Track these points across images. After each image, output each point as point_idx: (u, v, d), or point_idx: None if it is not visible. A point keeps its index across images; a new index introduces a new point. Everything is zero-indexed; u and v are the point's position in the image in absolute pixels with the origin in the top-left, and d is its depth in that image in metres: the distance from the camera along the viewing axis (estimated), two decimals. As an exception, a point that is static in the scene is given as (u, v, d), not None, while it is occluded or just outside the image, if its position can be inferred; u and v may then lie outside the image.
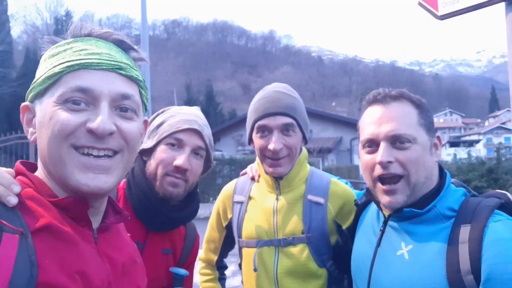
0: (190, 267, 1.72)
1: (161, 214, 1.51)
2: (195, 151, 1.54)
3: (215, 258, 1.95)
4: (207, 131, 1.61)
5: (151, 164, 1.54)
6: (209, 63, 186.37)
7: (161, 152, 1.51)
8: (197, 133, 1.55)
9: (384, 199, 1.31)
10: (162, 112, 1.65)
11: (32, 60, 30.61)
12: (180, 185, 1.50)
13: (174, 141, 1.52)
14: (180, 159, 1.48)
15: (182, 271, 1.52)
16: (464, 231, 1.16)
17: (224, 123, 37.58)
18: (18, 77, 29.17)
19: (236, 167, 17.15)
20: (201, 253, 1.97)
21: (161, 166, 1.50)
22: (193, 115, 1.59)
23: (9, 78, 29.31)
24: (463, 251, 1.14)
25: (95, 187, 0.89)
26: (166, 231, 1.59)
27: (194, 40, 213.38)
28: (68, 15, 43.55)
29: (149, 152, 1.56)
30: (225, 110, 66.90)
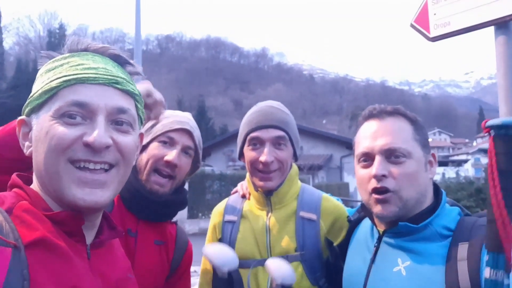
0: (185, 274, 1.74)
1: (150, 202, 1.56)
2: (185, 150, 1.64)
3: None
4: (198, 133, 1.71)
5: (142, 158, 1.62)
6: (201, 78, 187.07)
7: (153, 149, 1.60)
8: (188, 133, 1.64)
9: (377, 208, 1.30)
10: None
11: (23, 72, 30.45)
12: (166, 185, 1.59)
13: (167, 139, 1.61)
14: (171, 155, 1.58)
15: None
16: (462, 249, 1.16)
17: (215, 138, 37.57)
18: (9, 88, 28.91)
19: (226, 182, 17.08)
20: None
21: (151, 161, 1.58)
22: (186, 118, 1.70)
23: (-1, 89, 29.10)
24: (462, 268, 1.13)
25: (91, 202, 0.90)
26: (156, 223, 1.63)
27: (187, 56, 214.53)
28: (61, 27, 43.56)
29: (142, 149, 1.61)
30: (217, 126, 67.03)
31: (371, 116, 1.39)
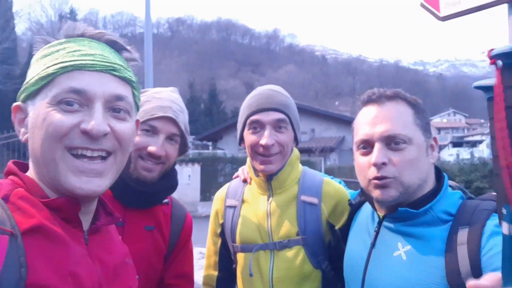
0: (185, 247, 1.73)
1: (136, 191, 1.53)
2: (169, 137, 1.59)
3: (215, 274, 1.86)
4: (182, 117, 1.63)
5: None
6: (212, 61, 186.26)
7: (136, 137, 1.54)
8: (171, 120, 1.58)
9: (376, 193, 1.28)
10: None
11: (36, 57, 30.66)
12: (154, 170, 1.55)
13: (149, 128, 1.56)
14: (154, 146, 1.53)
15: None
16: (463, 233, 1.15)
17: (227, 121, 37.62)
18: (21, 74, 29.19)
19: (238, 165, 17.15)
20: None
21: (134, 150, 1.53)
22: (169, 101, 1.61)
23: (12, 75, 29.43)
24: (462, 252, 1.12)
25: (89, 191, 0.90)
26: (145, 209, 1.61)
27: (198, 39, 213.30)
28: (72, 12, 43.59)
29: None
30: (228, 109, 66.85)
31: (369, 101, 1.35)
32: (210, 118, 56.06)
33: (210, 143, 31.47)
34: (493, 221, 1.13)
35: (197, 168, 16.65)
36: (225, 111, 63.97)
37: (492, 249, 1.08)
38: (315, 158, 21.98)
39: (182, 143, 1.67)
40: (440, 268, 1.15)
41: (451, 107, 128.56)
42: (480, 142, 68.53)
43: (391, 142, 1.26)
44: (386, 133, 1.26)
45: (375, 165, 1.26)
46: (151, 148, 1.53)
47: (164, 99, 1.61)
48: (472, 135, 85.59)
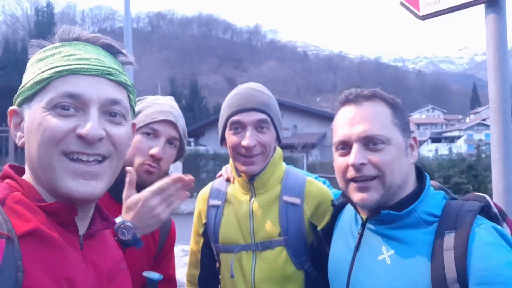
0: (170, 250, 1.76)
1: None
2: (169, 141, 1.62)
3: (197, 273, 1.86)
4: (181, 122, 1.67)
5: (128, 151, 1.57)
6: (194, 57, 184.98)
7: (138, 142, 1.58)
8: (172, 124, 1.61)
9: (357, 196, 1.26)
10: (139, 101, 1.70)
11: (11, 51, 29.82)
12: (154, 173, 1.58)
13: (150, 131, 1.59)
14: (156, 149, 1.56)
15: (155, 275, 1.51)
16: (449, 238, 1.13)
17: (209, 117, 37.41)
18: (-3, 68, 28.47)
19: (220, 162, 17.13)
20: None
21: (138, 155, 1.57)
22: (169, 106, 1.66)
23: (-13, 70, 28.60)
24: (449, 258, 1.10)
25: (86, 193, 0.90)
26: None
27: (179, 34, 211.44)
28: (49, 6, 42.40)
29: None
30: (210, 105, 66.59)
31: (347, 101, 1.33)
32: (192, 114, 55.57)
33: (192, 140, 31.27)
34: (479, 226, 1.12)
35: (179, 164, 16.51)
36: (207, 107, 63.69)
37: (481, 261, 1.07)
38: (297, 154, 22.10)
39: (179, 148, 1.70)
40: (426, 273, 1.14)
41: (429, 103, 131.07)
42: (458, 137, 70.18)
43: (369, 142, 1.25)
44: (364, 133, 1.25)
45: (353, 165, 1.24)
46: (153, 151, 1.55)
47: (164, 104, 1.65)
48: (451, 131, 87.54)
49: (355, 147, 1.25)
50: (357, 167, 1.23)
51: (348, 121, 1.29)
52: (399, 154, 1.25)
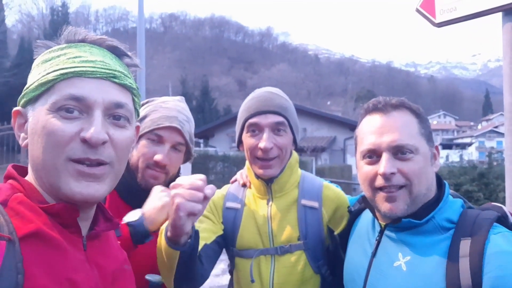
0: None
1: (145, 195, 1.55)
2: (174, 147, 1.63)
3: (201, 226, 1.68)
4: (187, 127, 1.67)
5: (133, 155, 1.62)
6: (205, 58, 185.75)
7: (143, 147, 1.60)
8: (177, 130, 1.62)
9: (385, 206, 1.26)
10: (147, 103, 1.71)
11: (26, 50, 30.20)
12: (160, 178, 1.60)
13: (155, 137, 1.61)
14: (159, 155, 1.58)
15: (157, 278, 1.50)
16: (465, 245, 1.14)
17: (219, 119, 37.47)
18: (12, 66, 28.77)
19: (229, 163, 17.12)
20: None
21: (142, 160, 1.59)
22: (175, 111, 1.66)
23: (2, 68, 29.00)
24: (464, 265, 1.11)
25: (88, 195, 0.90)
26: None
27: (191, 35, 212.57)
28: (64, 5, 42.87)
29: None
30: (220, 106, 66.78)
31: (375, 109, 1.33)
32: (202, 116, 55.73)
33: (201, 141, 31.36)
34: (496, 234, 1.13)
35: (188, 166, 16.53)
36: (217, 108, 63.81)
37: (496, 270, 1.06)
38: (306, 157, 22.01)
39: (186, 151, 1.71)
40: (441, 280, 1.14)
41: (441, 109, 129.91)
42: (470, 144, 69.34)
43: (398, 152, 1.25)
44: (394, 143, 1.25)
45: (383, 175, 1.24)
46: (157, 157, 1.57)
47: (171, 108, 1.65)
48: (462, 138, 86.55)
49: (385, 156, 1.26)
50: (387, 176, 1.23)
51: (377, 130, 1.29)
52: (425, 163, 1.27)
